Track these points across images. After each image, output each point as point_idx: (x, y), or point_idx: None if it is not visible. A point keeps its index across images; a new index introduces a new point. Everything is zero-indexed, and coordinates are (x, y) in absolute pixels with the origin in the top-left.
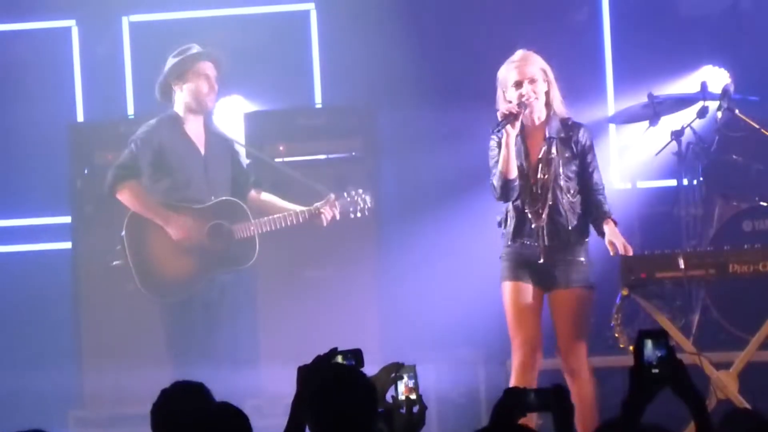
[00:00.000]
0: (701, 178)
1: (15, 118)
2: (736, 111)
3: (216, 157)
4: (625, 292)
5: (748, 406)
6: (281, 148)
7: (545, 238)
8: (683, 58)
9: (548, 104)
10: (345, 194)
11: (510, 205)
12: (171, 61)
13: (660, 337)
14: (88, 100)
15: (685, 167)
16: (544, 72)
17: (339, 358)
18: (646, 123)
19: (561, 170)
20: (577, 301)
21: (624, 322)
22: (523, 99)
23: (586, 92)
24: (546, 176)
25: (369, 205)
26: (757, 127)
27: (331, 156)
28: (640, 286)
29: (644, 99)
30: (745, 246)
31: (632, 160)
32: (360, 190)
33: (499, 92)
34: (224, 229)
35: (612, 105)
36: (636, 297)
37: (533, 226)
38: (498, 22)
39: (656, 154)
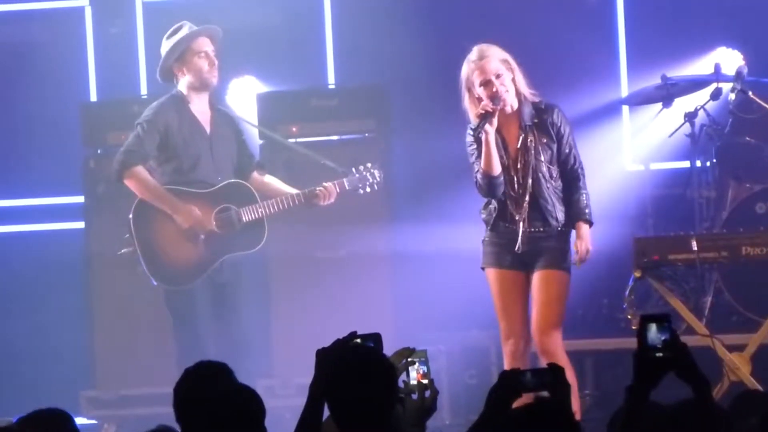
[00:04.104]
0: (714, 160)
1: (29, 98)
2: (750, 93)
3: (221, 136)
4: (638, 274)
5: (760, 388)
6: (294, 128)
7: (528, 225)
8: (697, 39)
9: (517, 92)
10: (354, 170)
11: None
12: (166, 44)
13: (663, 320)
14: (101, 80)
15: (698, 149)
16: (506, 62)
17: (358, 342)
18: (660, 105)
19: (541, 156)
20: (553, 282)
21: (637, 304)
22: (497, 95)
23: (599, 73)
24: (526, 165)
25: (378, 179)
26: None
27: (344, 137)
28: (653, 268)
29: (658, 80)
30: (760, 228)
31: (645, 141)
32: (368, 164)
33: (464, 92)
34: (232, 213)
35: (625, 86)
36: (649, 279)
37: (516, 217)
38: (513, 2)
39: (669, 136)
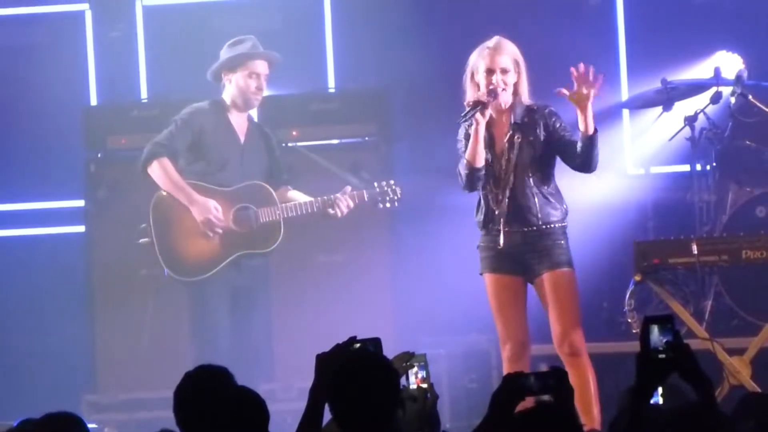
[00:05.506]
0: (714, 164)
1: (29, 101)
2: (750, 96)
3: (254, 148)
4: (638, 278)
5: (760, 391)
6: (294, 132)
7: (507, 223)
8: (697, 43)
9: (515, 93)
10: (375, 185)
11: (480, 193)
12: (226, 52)
13: (666, 322)
14: (101, 84)
15: (698, 153)
16: (517, 63)
17: (357, 347)
18: (660, 108)
19: (525, 155)
20: (566, 282)
21: (637, 307)
22: (491, 87)
23: None
24: (508, 162)
25: (399, 196)
26: None
27: (344, 141)
28: (654, 272)
29: (658, 84)
30: (760, 232)
31: (646, 145)
32: (391, 181)
33: (467, 76)
34: (250, 212)
35: (626, 90)
36: (649, 283)
37: (497, 213)
38: (513, 5)
39: (669, 140)
